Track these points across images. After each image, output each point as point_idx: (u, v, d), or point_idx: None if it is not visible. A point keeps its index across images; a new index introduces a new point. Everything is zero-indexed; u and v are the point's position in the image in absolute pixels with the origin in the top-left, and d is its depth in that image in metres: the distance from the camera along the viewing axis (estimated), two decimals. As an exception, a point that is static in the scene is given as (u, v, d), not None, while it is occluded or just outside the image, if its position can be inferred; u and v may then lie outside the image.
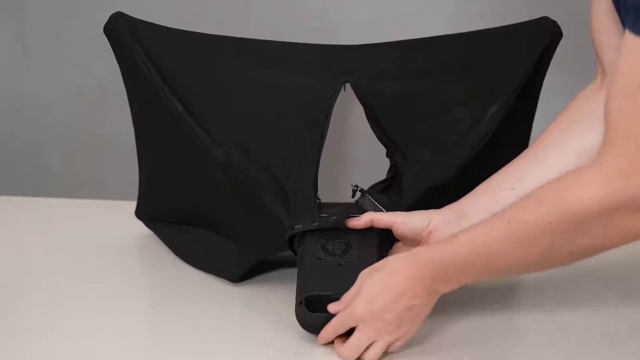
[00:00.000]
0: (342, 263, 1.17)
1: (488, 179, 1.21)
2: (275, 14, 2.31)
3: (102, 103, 2.44)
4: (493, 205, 1.16)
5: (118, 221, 1.52)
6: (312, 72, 1.33)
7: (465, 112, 1.30)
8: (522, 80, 1.32)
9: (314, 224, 1.20)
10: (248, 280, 1.28)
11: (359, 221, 1.20)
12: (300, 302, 1.12)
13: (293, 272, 1.30)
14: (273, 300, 1.24)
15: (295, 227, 1.20)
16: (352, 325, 1.08)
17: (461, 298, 1.19)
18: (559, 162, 1.17)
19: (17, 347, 1.11)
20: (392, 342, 1.08)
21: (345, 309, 1.08)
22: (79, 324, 1.17)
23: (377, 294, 1.07)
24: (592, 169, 0.98)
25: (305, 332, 1.13)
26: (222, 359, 1.10)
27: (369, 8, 2.28)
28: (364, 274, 1.10)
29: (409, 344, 1.10)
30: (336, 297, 1.11)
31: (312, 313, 1.11)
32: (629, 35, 0.96)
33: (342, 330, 1.09)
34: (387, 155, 1.29)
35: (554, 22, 1.36)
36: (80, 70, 2.43)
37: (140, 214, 1.44)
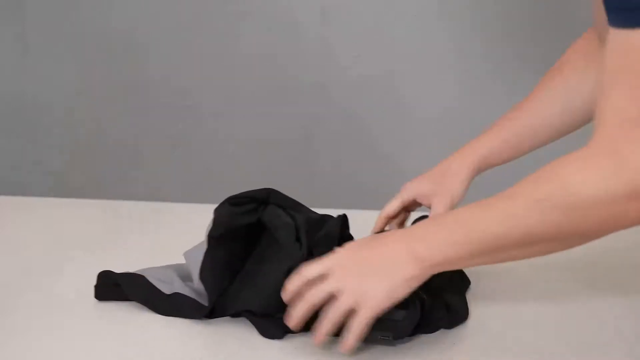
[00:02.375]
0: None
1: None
2: (276, 13, 2.32)
3: (102, 103, 2.45)
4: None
5: (118, 221, 1.52)
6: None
7: None
8: None
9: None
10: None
11: None
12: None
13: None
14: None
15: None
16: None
17: (461, 298, 1.19)
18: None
19: (17, 347, 1.11)
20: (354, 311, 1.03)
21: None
22: (79, 324, 1.17)
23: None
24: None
25: (305, 332, 1.12)
26: (221, 358, 1.10)
27: (369, 8, 2.29)
28: None
29: (408, 345, 1.10)
30: None
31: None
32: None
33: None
34: None
35: None
36: (80, 70, 2.44)
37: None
